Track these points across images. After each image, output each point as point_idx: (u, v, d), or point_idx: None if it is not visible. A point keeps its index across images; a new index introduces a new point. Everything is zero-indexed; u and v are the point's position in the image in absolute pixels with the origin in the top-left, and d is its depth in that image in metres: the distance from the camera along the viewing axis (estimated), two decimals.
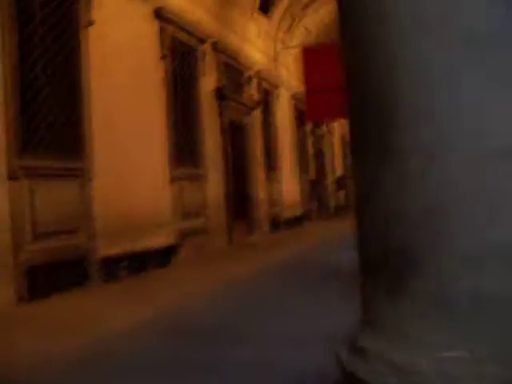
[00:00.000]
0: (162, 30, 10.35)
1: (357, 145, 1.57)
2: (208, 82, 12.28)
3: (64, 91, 7.70)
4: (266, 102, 16.41)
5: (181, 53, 11.16)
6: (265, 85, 16.33)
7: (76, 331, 5.23)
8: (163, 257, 9.60)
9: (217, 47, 12.69)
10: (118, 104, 8.71)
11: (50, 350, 4.65)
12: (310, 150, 21.66)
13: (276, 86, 17.41)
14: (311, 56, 17.26)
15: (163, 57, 10.41)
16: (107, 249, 8.13)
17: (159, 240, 9.57)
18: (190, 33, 11.41)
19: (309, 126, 21.43)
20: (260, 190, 15.13)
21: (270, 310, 5.89)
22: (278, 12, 17.18)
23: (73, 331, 5.30)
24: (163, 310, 6.13)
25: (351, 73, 1.57)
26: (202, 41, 11.93)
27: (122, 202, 8.62)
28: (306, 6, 18.47)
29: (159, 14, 10.20)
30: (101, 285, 7.88)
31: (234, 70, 13.97)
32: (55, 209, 7.27)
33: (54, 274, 7.11)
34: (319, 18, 19.88)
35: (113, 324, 5.46)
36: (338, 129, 27.52)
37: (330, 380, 1.56)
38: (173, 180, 10.31)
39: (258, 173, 15.19)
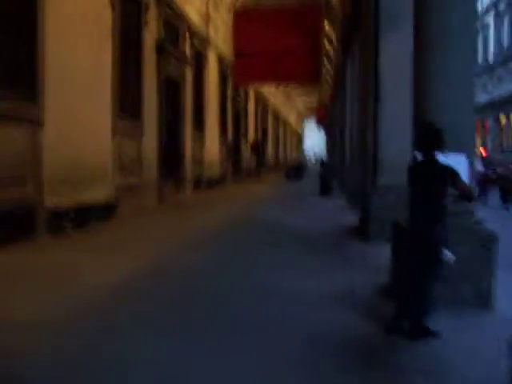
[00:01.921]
0: None
1: None
2: (149, 35, 11.95)
3: (17, 27, 7.22)
4: (197, 62, 16.26)
5: (125, 2, 10.74)
6: (197, 44, 16.14)
7: (57, 287, 5.14)
8: (105, 211, 9.45)
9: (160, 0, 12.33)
10: (70, 49, 8.31)
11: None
12: (230, 114, 21.84)
13: (206, 47, 17.27)
14: (242, 20, 17.31)
15: (110, 5, 9.97)
16: (54, 200, 7.86)
17: (101, 194, 9.39)
18: None
19: (230, 90, 21.53)
20: (188, 149, 15.15)
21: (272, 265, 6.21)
22: None
23: (54, 287, 5.23)
24: (143, 261, 6.17)
25: None
26: None
27: (69, 152, 8.33)
28: None
29: None
30: (49, 238, 7.56)
31: (171, 26, 13.66)
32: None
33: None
34: None
35: (96, 277, 5.44)
36: (253, 95, 27.88)
37: None
38: (114, 134, 10.07)
39: (188, 132, 15.17)
